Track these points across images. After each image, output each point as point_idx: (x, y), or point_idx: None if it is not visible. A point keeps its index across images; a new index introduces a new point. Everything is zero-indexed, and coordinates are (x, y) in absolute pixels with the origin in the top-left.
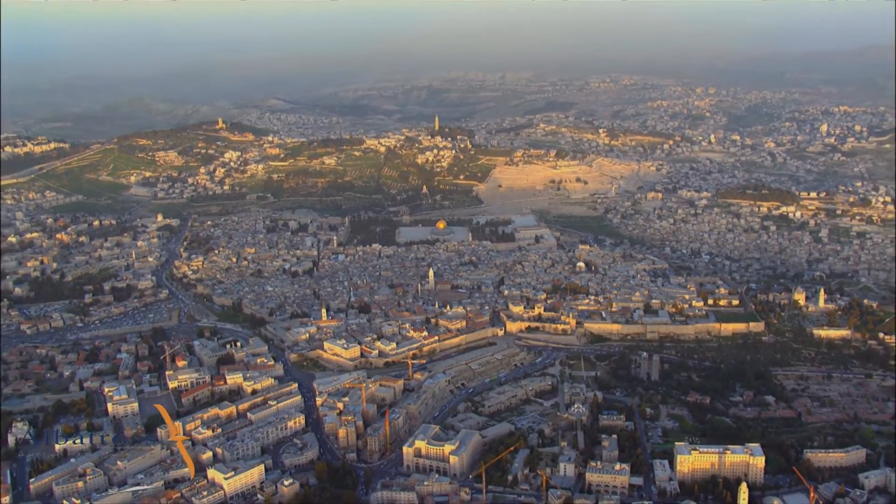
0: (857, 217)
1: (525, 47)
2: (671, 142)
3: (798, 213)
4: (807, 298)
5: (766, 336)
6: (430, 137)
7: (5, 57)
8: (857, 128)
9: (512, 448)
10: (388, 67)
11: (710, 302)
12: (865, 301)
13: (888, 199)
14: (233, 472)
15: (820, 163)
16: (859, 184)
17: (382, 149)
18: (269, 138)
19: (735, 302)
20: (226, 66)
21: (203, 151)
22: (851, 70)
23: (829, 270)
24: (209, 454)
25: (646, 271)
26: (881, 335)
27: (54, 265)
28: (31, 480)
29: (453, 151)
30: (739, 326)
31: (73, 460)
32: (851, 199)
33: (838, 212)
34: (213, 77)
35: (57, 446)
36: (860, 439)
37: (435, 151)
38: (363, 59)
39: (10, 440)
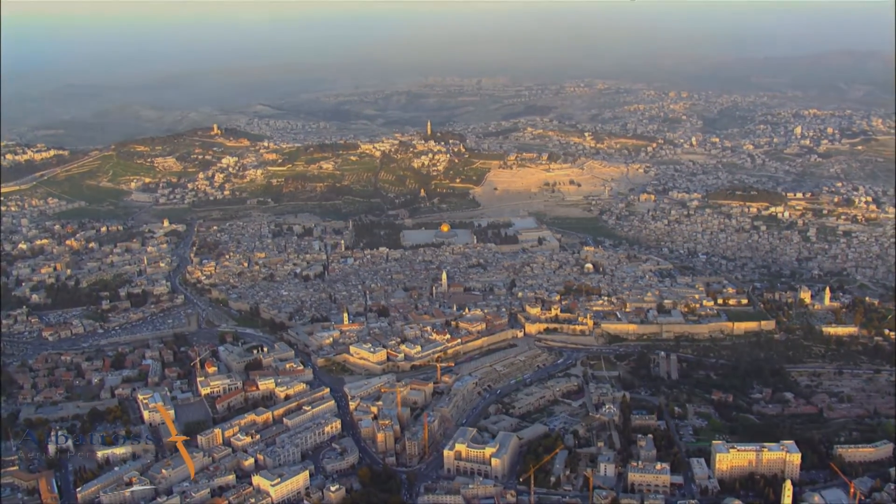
0: (843, 217)
1: (499, 53)
2: (654, 144)
3: (786, 214)
4: (812, 296)
5: (777, 334)
6: (423, 142)
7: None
8: (830, 130)
9: (556, 451)
10: (366, 74)
11: (720, 301)
12: (867, 298)
13: (869, 198)
14: (279, 479)
15: (797, 164)
16: (840, 184)
17: (378, 153)
18: (265, 143)
19: (744, 301)
20: (206, 73)
21: (200, 157)
22: (813, 74)
23: (819, 268)
24: (251, 461)
25: (652, 272)
26: (886, 332)
27: (68, 272)
28: (78, 490)
29: (448, 155)
30: (751, 325)
31: (116, 469)
32: (836, 200)
33: (824, 212)
34: (196, 84)
35: (98, 454)
36: (884, 434)
37: (430, 156)
38: (340, 66)
39: (51, 449)
